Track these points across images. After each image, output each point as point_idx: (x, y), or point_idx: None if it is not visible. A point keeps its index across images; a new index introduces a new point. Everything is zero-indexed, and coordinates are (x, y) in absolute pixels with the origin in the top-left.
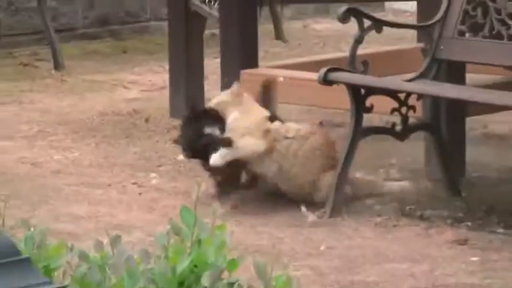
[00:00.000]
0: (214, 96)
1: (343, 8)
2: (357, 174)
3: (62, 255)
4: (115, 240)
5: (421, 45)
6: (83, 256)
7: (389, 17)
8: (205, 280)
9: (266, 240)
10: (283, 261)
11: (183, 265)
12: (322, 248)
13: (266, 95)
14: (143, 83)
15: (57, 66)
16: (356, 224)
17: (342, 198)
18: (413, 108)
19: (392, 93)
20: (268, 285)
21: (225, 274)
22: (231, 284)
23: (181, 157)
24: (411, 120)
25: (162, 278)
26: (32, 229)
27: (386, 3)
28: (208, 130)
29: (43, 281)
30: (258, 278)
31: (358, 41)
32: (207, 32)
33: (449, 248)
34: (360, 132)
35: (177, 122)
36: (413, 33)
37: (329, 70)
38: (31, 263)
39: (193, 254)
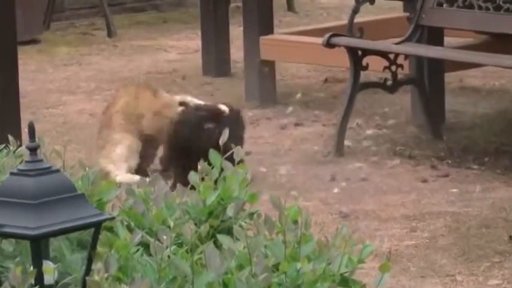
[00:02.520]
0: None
1: None
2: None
3: (112, 191)
4: (156, 178)
5: (407, 14)
6: (130, 191)
7: None
8: (230, 211)
9: (282, 176)
10: (294, 195)
11: (211, 198)
12: (328, 182)
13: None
14: (180, 47)
15: (110, 34)
16: (356, 162)
17: (343, 141)
18: (401, 66)
19: (384, 54)
20: (282, 214)
21: (247, 205)
22: (252, 214)
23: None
24: (400, 76)
25: (194, 209)
26: (87, 169)
27: None
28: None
29: (96, 213)
30: (273, 208)
31: (355, 11)
32: (232, 5)
33: (433, 181)
34: (358, 86)
35: (209, 79)
36: (400, 4)
37: (332, 35)
38: (86, 198)
39: (220, 189)
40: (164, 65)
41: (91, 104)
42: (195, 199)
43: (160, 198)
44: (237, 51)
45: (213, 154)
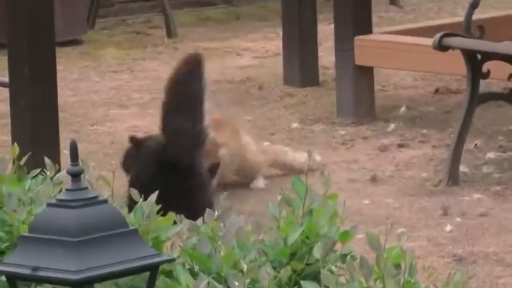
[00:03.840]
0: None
1: None
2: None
3: (171, 226)
4: (225, 211)
5: None
6: (193, 228)
7: None
8: (317, 252)
9: (382, 209)
10: (397, 232)
11: (294, 236)
12: (439, 218)
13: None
14: (256, 49)
15: (170, 33)
16: (474, 192)
17: (458, 166)
18: None
19: (509, 59)
20: (381, 257)
21: (338, 245)
22: (344, 256)
23: (295, 125)
24: None
25: (273, 250)
26: (140, 199)
27: None
28: None
29: (151, 253)
30: (371, 249)
31: (474, 5)
32: None
33: None
34: (476, 98)
35: (291, 90)
36: None
37: (444, 35)
38: (139, 234)
39: (305, 225)
40: (236, 72)
41: (145, 120)
42: (274, 237)
43: (230, 235)
44: (326, 55)
45: (296, 181)
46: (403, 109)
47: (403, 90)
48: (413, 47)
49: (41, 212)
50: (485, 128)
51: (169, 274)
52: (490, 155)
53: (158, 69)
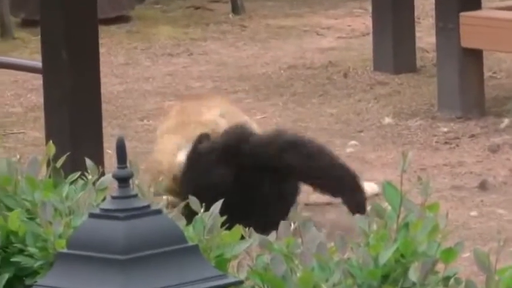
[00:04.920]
0: None
1: None
2: None
3: (238, 242)
4: (304, 224)
5: None
6: (265, 244)
7: None
8: (413, 273)
9: (493, 222)
10: (511, 250)
11: (387, 255)
12: None
13: None
14: (341, 28)
15: (236, 8)
16: None
17: None
18: None
19: None
20: (491, 279)
21: (439, 266)
22: (447, 279)
23: (387, 120)
24: None
25: (361, 271)
26: (201, 210)
27: None
28: None
29: (215, 274)
30: (480, 270)
31: None
32: None
33: None
34: None
35: (383, 77)
36: None
37: None
38: (200, 252)
39: (400, 241)
40: (316, 56)
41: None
42: (362, 255)
43: (310, 253)
44: (425, 36)
45: (388, 188)
46: None
47: None
48: None
49: (82, 224)
50: None
51: None
52: None
53: (222, 51)
